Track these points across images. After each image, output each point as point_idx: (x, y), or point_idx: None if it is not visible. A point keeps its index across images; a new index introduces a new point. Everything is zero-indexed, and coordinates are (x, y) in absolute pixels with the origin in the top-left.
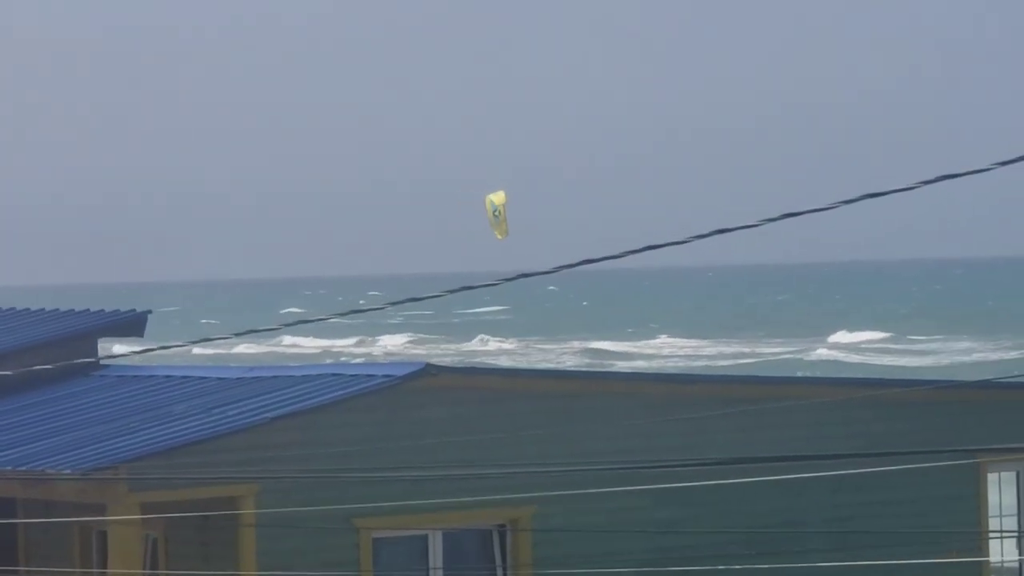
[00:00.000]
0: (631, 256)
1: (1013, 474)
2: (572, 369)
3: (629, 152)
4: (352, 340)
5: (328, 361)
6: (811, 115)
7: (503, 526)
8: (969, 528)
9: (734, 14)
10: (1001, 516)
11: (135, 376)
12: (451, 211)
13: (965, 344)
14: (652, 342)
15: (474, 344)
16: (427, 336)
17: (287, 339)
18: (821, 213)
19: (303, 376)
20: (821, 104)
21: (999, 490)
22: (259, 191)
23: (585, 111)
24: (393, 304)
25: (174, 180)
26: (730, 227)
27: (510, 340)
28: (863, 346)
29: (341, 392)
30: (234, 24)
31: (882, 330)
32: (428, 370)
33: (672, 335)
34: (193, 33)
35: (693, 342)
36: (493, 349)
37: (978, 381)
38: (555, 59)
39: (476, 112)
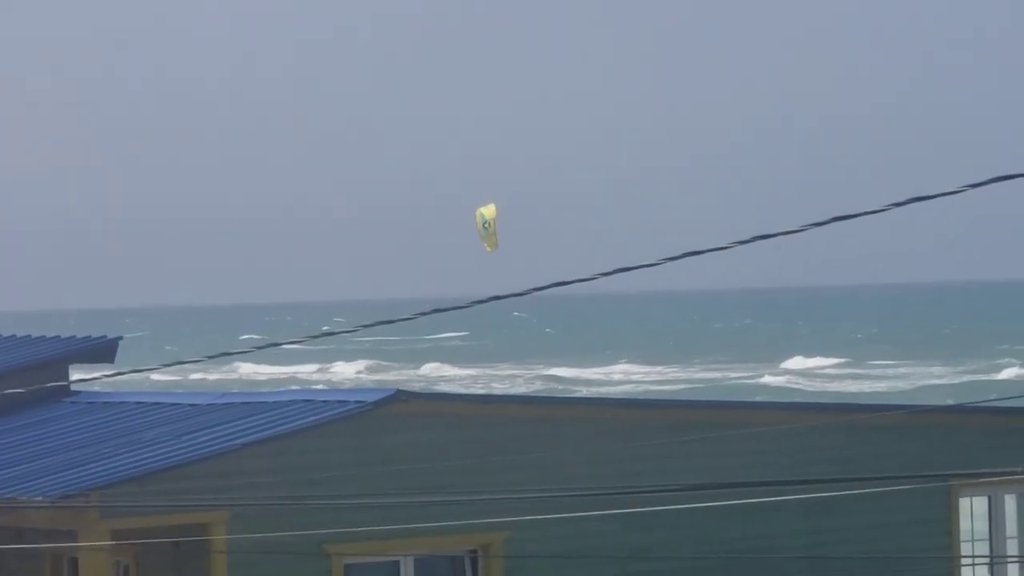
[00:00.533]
0: (607, 279)
1: (985, 499)
2: (542, 395)
3: (618, 175)
4: (312, 367)
5: (294, 387)
6: (796, 138)
7: (475, 552)
8: (941, 553)
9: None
10: (973, 541)
11: (106, 402)
12: (419, 236)
13: (919, 369)
14: (610, 368)
15: (426, 370)
16: (386, 363)
17: (245, 366)
18: (796, 236)
19: (274, 402)
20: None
21: (971, 515)
22: (219, 216)
23: (570, 135)
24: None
25: (137, 207)
26: (701, 249)
27: (466, 367)
28: (816, 371)
29: (313, 418)
30: (196, 50)
31: (838, 355)
32: (399, 396)
33: (631, 361)
34: (154, 72)
35: (649, 368)
36: (449, 375)
37: (951, 406)
38: (542, 83)
39: (447, 137)
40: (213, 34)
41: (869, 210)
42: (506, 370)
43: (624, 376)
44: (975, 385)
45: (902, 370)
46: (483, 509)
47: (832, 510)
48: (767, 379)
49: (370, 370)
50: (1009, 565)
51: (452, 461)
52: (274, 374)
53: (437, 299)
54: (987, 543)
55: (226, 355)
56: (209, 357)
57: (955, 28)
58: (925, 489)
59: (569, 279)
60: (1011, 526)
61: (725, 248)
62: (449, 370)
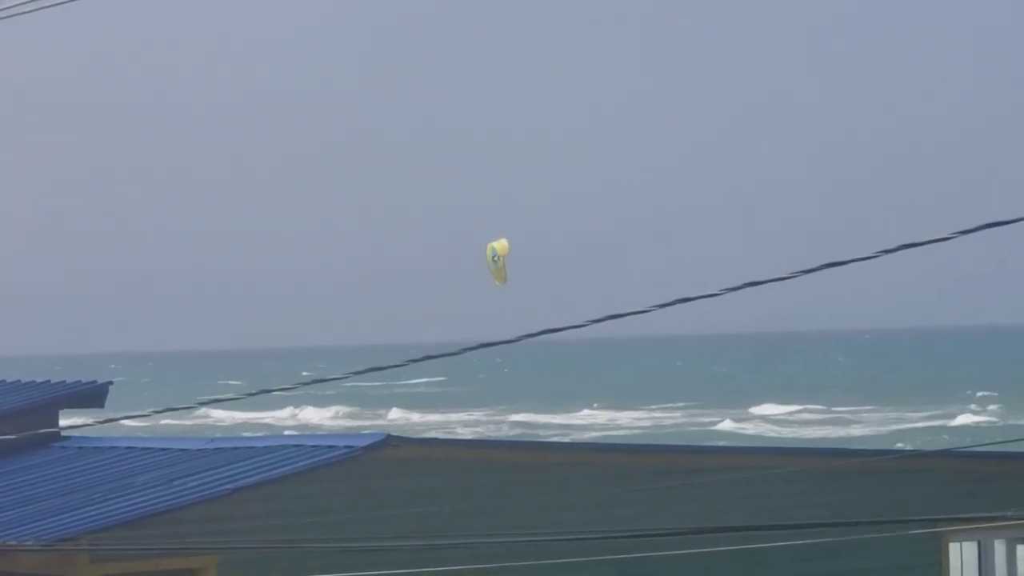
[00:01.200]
0: (599, 325)
1: (974, 545)
2: (531, 439)
3: (625, 218)
4: (284, 411)
5: (261, 433)
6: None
7: None
8: None
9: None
10: None
11: (96, 447)
12: (401, 282)
13: (891, 415)
14: (576, 414)
15: (392, 416)
16: (357, 408)
17: (215, 412)
18: (788, 282)
19: (264, 447)
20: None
21: (961, 561)
22: (197, 265)
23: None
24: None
25: (113, 253)
26: (692, 296)
27: (431, 413)
28: (782, 418)
29: (303, 463)
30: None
31: (808, 401)
32: (389, 441)
33: (600, 406)
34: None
35: (615, 413)
36: (413, 422)
37: (938, 451)
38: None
39: (440, 184)
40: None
41: (858, 257)
42: (473, 416)
43: (588, 421)
44: (935, 431)
45: (872, 415)
46: (472, 553)
47: (822, 555)
48: (727, 424)
49: (339, 416)
50: None
51: (442, 506)
52: (246, 419)
53: (421, 345)
54: None
55: (216, 401)
56: (201, 403)
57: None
58: (915, 535)
59: (560, 326)
60: (1001, 572)
61: (715, 295)
62: (415, 416)
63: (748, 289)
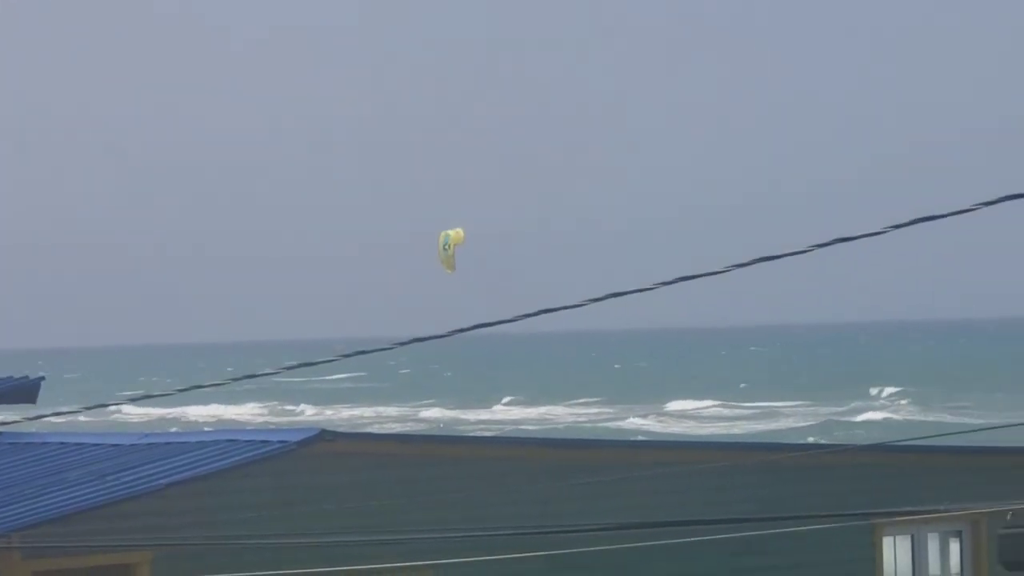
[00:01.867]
0: (532, 320)
1: (908, 537)
2: (466, 435)
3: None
4: (207, 408)
5: (174, 429)
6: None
7: None
8: None
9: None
10: None
11: (28, 443)
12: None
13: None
14: (491, 409)
15: (308, 412)
16: (271, 404)
17: (127, 408)
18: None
19: (198, 443)
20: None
21: (894, 554)
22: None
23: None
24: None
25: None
26: (624, 291)
27: (343, 408)
28: (693, 413)
29: (237, 458)
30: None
31: (721, 398)
32: (323, 436)
33: (514, 402)
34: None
35: (531, 409)
36: (326, 418)
37: (873, 445)
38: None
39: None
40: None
41: (793, 251)
42: (385, 411)
43: (499, 417)
44: (833, 425)
45: (792, 410)
46: (408, 548)
47: (755, 549)
48: (634, 420)
49: (253, 412)
50: None
51: (376, 500)
52: (158, 415)
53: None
54: None
55: (148, 397)
56: (132, 399)
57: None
58: (849, 528)
59: (492, 320)
60: (934, 565)
61: (648, 290)
62: (328, 412)
63: (697, 285)
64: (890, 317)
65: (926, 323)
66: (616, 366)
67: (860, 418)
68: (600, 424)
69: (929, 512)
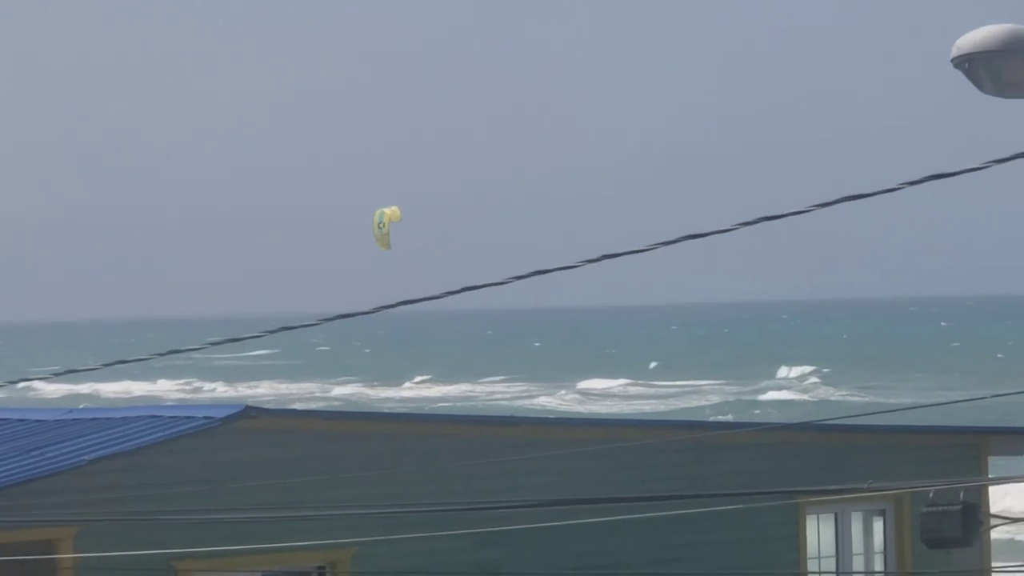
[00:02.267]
0: (458, 297)
1: (832, 516)
2: (392, 411)
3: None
4: (112, 385)
5: (85, 404)
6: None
7: (323, 568)
8: (789, 570)
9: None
10: (820, 558)
11: None
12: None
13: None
14: (399, 387)
15: (220, 389)
16: (191, 382)
17: (38, 384)
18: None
19: (122, 418)
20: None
21: (818, 532)
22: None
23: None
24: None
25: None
26: (548, 269)
27: (255, 385)
28: (606, 391)
29: (161, 434)
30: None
31: (630, 376)
32: (248, 412)
33: (426, 380)
34: None
35: (441, 387)
36: (237, 395)
37: (797, 423)
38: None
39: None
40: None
41: (718, 229)
42: (295, 388)
43: (410, 395)
44: (742, 404)
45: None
46: (331, 525)
47: (682, 527)
48: (543, 399)
49: (164, 389)
50: None
51: (300, 477)
52: (69, 392)
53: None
54: (833, 559)
55: (72, 372)
56: (55, 374)
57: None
58: (773, 507)
59: (415, 298)
60: (857, 543)
61: (572, 267)
62: (243, 389)
63: (626, 263)
64: (815, 296)
65: (850, 301)
66: (536, 344)
67: (765, 397)
68: (506, 402)
69: (853, 491)
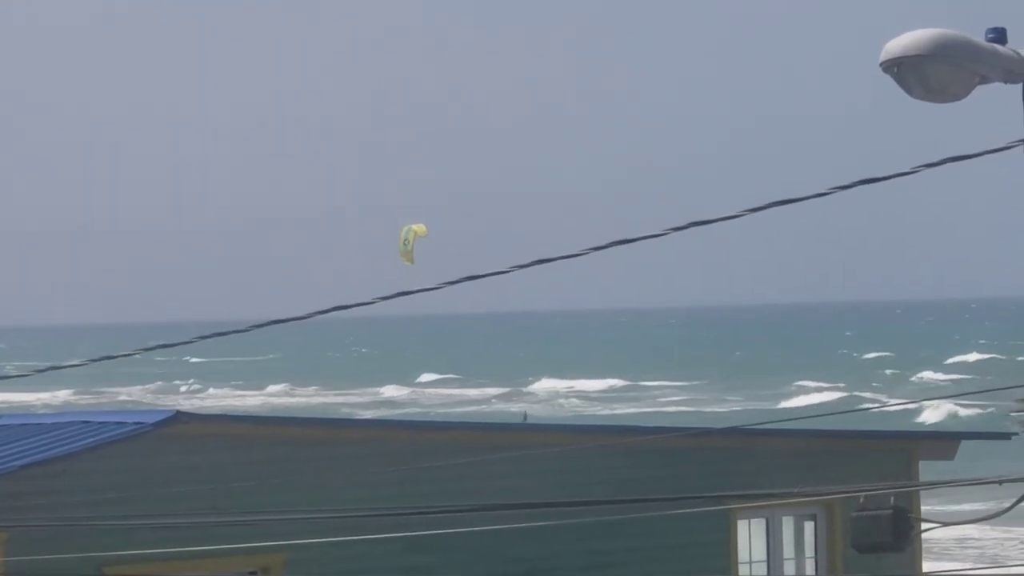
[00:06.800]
0: (396, 302)
1: (763, 521)
2: (323, 416)
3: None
4: (68, 391)
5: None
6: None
7: (255, 573)
8: (720, 575)
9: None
10: (751, 563)
11: None
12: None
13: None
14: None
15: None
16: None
17: None
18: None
19: (53, 424)
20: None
21: (749, 537)
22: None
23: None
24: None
25: None
26: (480, 274)
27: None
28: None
29: (92, 439)
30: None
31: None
32: (179, 418)
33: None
34: None
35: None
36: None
37: (726, 428)
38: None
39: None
40: None
41: (648, 234)
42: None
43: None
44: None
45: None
46: (263, 530)
47: (613, 532)
48: (501, 405)
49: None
50: None
51: (232, 482)
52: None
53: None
54: (764, 564)
55: (6, 378)
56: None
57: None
58: (704, 512)
59: (350, 303)
60: (788, 548)
61: (504, 272)
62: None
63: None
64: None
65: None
66: (493, 348)
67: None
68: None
69: (784, 495)
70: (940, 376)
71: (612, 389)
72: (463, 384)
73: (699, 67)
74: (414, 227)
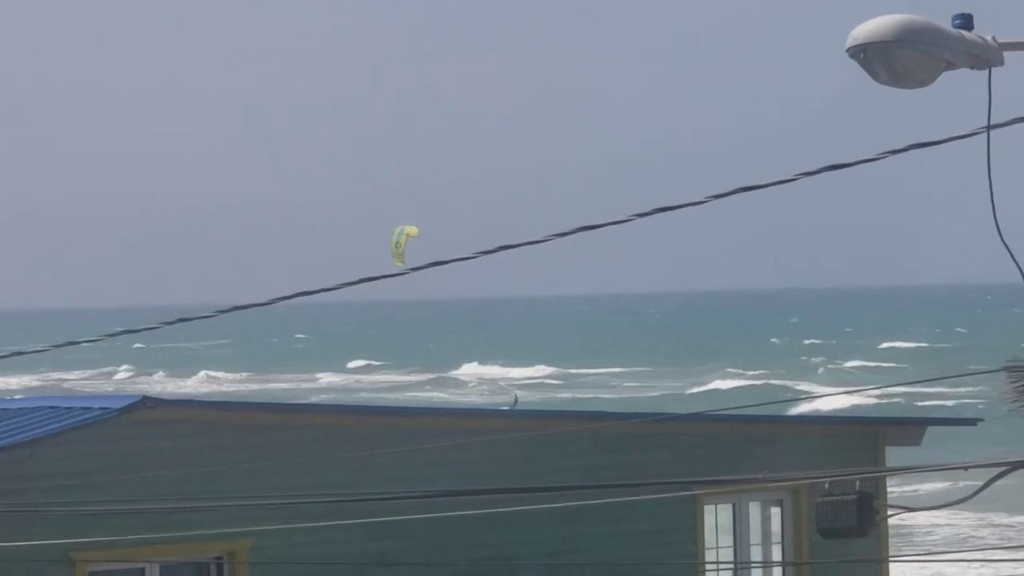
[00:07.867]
0: (356, 289)
1: (729, 506)
2: (288, 402)
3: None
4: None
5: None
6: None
7: (220, 558)
8: (687, 560)
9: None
10: (717, 548)
11: None
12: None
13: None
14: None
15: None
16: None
17: None
18: (542, 246)
19: (19, 409)
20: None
21: (715, 523)
22: None
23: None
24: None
25: None
26: (445, 260)
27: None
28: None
29: (57, 425)
30: None
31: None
32: (145, 403)
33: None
34: None
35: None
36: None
37: (691, 414)
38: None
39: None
40: None
41: (613, 220)
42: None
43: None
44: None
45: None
46: (228, 516)
47: (579, 518)
48: (432, 392)
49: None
50: (753, 571)
51: (197, 467)
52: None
53: (179, 308)
54: (731, 550)
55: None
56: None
57: None
58: (670, 498)
59: (314, 288)
60: (755, 534)
61: (469, 259)
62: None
63: (530, 252)
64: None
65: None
66: (434, 338)
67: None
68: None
69: (750, 481)
70: (870, 363)
71: (539, 375)
72: (389, 370)
73: (672, 58)
74: (406, 228)
